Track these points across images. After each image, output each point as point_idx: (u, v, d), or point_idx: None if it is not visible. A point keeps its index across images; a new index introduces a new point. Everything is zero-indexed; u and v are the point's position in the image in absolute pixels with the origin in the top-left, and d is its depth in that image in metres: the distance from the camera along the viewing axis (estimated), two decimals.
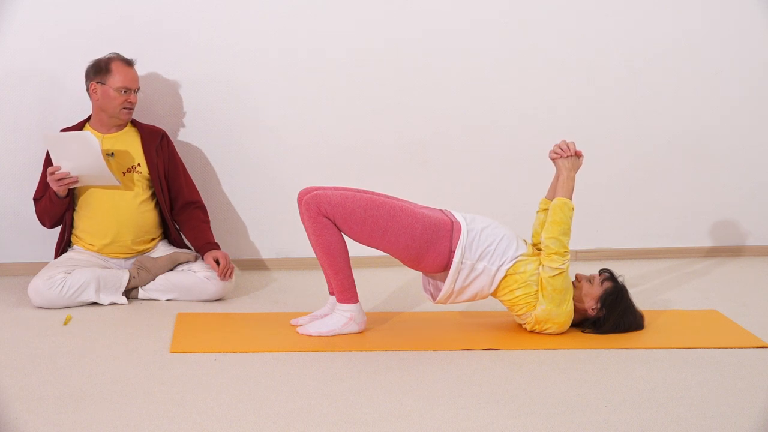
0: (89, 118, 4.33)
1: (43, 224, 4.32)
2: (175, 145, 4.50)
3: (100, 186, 4.21)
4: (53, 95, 4.54)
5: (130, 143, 4.31)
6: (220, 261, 4.24)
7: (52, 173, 4.08)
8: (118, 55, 4.26)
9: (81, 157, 4.04)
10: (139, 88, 4.28)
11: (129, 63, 4.25)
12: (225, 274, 4.23)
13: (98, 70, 4.22)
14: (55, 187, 4.11)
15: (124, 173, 4.26)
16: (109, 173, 4.09)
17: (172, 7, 4.57)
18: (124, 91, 4.21)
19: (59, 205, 4.20)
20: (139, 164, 4.29)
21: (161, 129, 4.42)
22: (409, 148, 4.88)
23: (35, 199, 4.32)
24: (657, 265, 5.01)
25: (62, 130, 4.31)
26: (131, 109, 4.26)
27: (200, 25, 4.60)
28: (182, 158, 4.51)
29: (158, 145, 4.34)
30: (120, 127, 4.32)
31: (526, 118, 4.93)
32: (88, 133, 4.05)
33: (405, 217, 3.68)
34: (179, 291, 4.22)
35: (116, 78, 4.20)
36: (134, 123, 4.37)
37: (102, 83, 4.20)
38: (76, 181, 4.12)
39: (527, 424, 2.98)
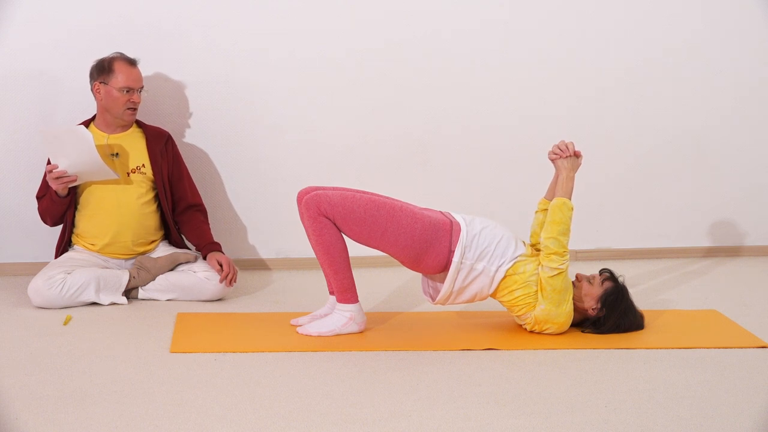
0: (93, 117, 4.33)
1: (45, 222, 4.32)
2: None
3: (101, 183, 4.20)
4: (54, 95, 4.54)
5: (135, 144, 4.31)
6: (224, 266, 4.23)
7: (50, 171, 4.07)
8: (121, 54, 4.24)
9: (76, 152, 4.03)
10: (143, 88, 4.26)
11: (132, 62, 4.24)
12: (229, 281, 4.23)
13: (101, 70, 4.21)
14: (54, 186, 4.11)
15: (128, 174, 4.26)
16: (105, 167, 4.08)
17: (172, 7, 4.57)
18: (127, 91, 4.19)
19: (60, 204, 4.20)
20: (143, 165, 4.29)
21: (166, 131, 4.41)
22: (409, 148, 4.88)
23: (38, 197, 4.31)
24: (657, 265, 5.01)
25: None
26: (135, 109, 4.25)
27: (200, 25, 4.60)
28: (184, 158, 4.50)
29: (163, 147, 4.34)
30: (125, 127, 4.32)
31: (525, 118, 4.93)
32: (81, 127, 4.04)
33: (404, 218, 3.68)
34: (179, 291, 4.22)
35: (119, 78, 4.19)
36: (139, 124, 4.37)
37: (105, 83, 4.19)
38: (75, 179, 4.12)
39: (527, 424, 2.98)
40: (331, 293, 3.87)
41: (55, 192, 4.14)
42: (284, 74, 4.72)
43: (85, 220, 4.27)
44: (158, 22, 4.57)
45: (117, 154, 4.26)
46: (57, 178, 4.08)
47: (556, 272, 3.69)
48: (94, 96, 4.25)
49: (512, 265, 3.72)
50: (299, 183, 4.36)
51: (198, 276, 4.23)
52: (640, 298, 4.22)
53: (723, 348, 3.70)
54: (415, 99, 4.83)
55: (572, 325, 3.83)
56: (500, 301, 3.81)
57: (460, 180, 4.93)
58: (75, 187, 4.22)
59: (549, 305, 3.71)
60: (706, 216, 5.19)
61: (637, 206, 5.13)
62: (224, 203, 4.79)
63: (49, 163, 4.25)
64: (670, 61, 4.99)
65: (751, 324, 4.01)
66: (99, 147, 4.22)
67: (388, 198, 3.79)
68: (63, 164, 4.06)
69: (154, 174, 4.30)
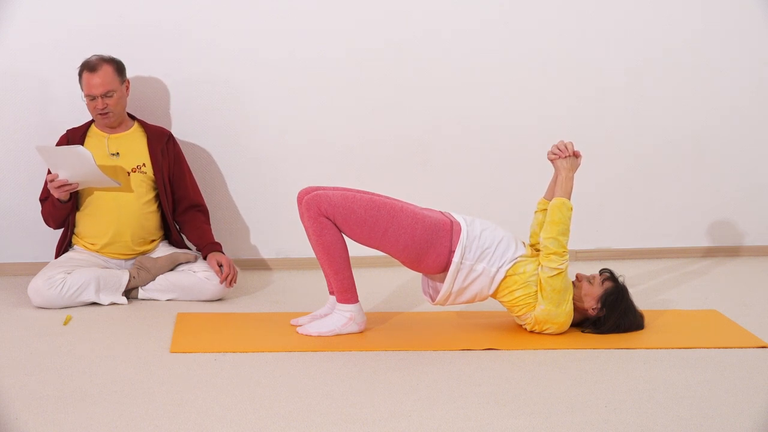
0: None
1: (48, 225, 4.32)
2: None
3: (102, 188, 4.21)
4: (54, 95, 4.54)
5: (136, 143, 4.31)
6: (224, 267, 4.23)
7: (52, 181, 4.07)
8: (88, 60, 4.19)
9: (76, 167, 4.02)
10: (109, 92, 4.17)
11: (92, 68, 4.16)
12: (229, 281, 4.23)
13: (78, 78, 4.22)
14: (56, 194, 4.10)
15: (129, 173, 4.25)
16: (107, 178, 4.07)
17: (172, 7, 4.57)
18: (92, 99, 4.18)
19: (63, 209, 4.20)
20: (144, 164, 4.29)
21: (167, 130, 4.41)
22: (409, 148, 4.88)
23: (41, 200, 4.32)
24: (657, 265, 5.01)
25: (69, 130, 4.31)
26: (104, 114, 4.20)
27: (200, 25, 4.60)
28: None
29: (164, 147, 4.33)
30: (126, 127, 4.32)
31: (525, 118, 4.93)
32: (79, 147, 4.00)
33: (405, 218, 3.68)
34: (179, 291, 4.22)
35: (83, 86, 4.18)
36: (140, 123, 4.37)
37: (82, 90, 4.21)
38: (77, 186, 4.11)
39: (527, 424, 2.98)
40: (331, 293, 3.87)
41: (58, 198, 4.14)
42: (283, 74, 4.72)
43: (84, 220, 4.27)
44: (158, 22, 4.57)
45: (117, 153, 4.26)
46: (59, 187, 4.07)
47: (555, 272, 3.69)
48: None
49: (512, 266, 3.72)
50: (299, 183, 4.36)
51: (198, 276, 4.23)
52: (640, 298, 4.22)
53: (723, 348, 3.70)
54: (415, 99, 4.83)
55: (572, 325, 3.83)
56: (500, 302, 3.81)
57: (460, 180, 4.93)
58: (76, 191, 4.22)
59: (549, 305, 3.71)
60: (706, 216, 5.19)
61: (637, 206, 5.13)
62: (225, 203, 4.79)
63: (49, 171, 4.25)
64: (670, 61, 4.99)
65: (751, 324, 4.01)
66: (99, 148, 4.23)
67: (388, 198, 3.79)
68: (64, 175, 4.05)
69: (155, 173, 4.30)
